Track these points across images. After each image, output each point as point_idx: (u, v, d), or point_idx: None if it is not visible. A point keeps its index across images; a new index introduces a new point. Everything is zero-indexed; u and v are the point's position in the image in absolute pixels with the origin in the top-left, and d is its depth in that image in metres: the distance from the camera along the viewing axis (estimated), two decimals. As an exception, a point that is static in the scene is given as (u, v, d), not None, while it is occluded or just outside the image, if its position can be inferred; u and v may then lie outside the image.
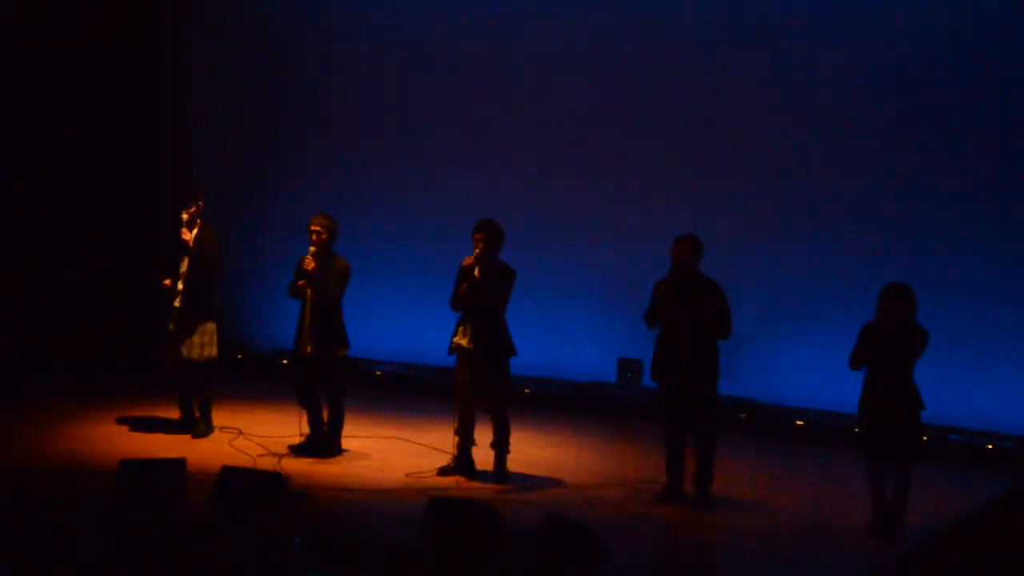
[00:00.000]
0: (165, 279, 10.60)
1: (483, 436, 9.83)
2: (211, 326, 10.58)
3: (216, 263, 10.59)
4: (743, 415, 11.32)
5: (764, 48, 11.48)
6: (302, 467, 9.93)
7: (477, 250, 9.55)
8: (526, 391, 11.64)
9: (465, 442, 9.83)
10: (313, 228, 10.08)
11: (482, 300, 9.54)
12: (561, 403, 11.96)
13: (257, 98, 13.46)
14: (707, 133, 11.71)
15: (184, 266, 10.49)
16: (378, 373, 12.64)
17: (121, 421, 10.89)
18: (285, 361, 12.17)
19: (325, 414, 10.31)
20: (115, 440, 10.51)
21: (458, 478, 9.77)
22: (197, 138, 13.67)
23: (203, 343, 10.54)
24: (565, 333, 12.16)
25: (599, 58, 12.06)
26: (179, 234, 10.50)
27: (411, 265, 12.68)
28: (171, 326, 10.57)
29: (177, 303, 10.52)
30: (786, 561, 8.37)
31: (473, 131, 12.61)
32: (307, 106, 13.29)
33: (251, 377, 12.59)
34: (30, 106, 12.96)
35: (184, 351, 10.51)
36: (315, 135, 13.27)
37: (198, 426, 10.70)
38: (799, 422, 11.27)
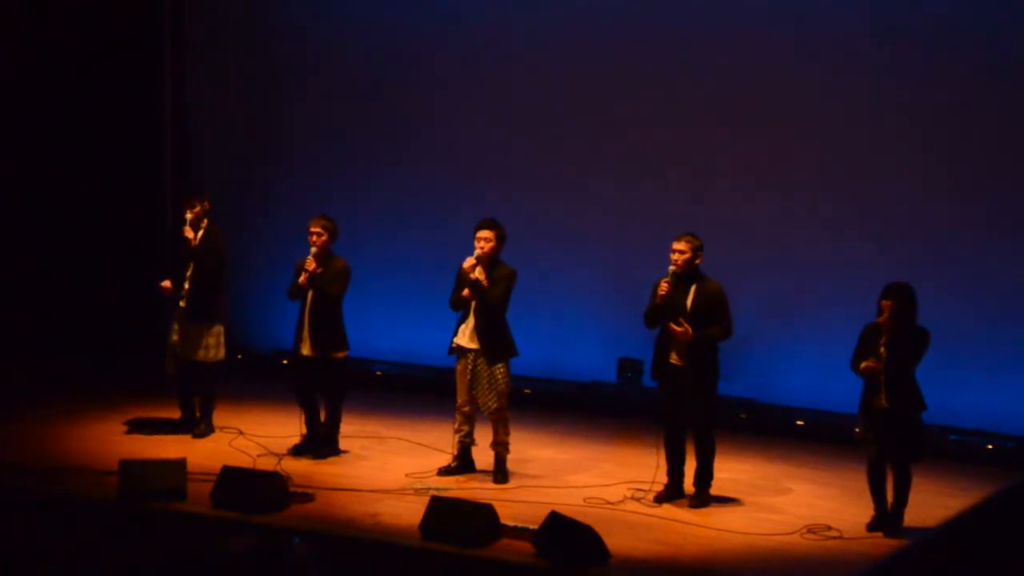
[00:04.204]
0: (163, 281, 10.60)
1: (483, 436, 9.83)
2: (218, 328, 10.57)
3: (223, 264, 10.58)
4: (743, 415, 11.32)
5: (762, 50, 11.46)
6: (302, 467, 9.93)
7: (479, 249, 9.55)
8: (526, 391, 11.63)
9: (465, 441, 9.85)
10: (313, 230, 10.08)
11: (484, 300, 9.54)
12: (561, 403, 11.95)
13: (257, 98, 13.45)
14: (706, 134, 11.70)
15: (190, 267, 10.48)
16: (377, 373, 12.63)
17: (122, 421, 10.88)
18: (285, 361, 12.16)
19: (323, 415, 10.31)
20: (115, 440, 10.50)
21: (458, 478, 9.78)
22: (197, 138, 13.66)
23: (209, 345, 10.52)
24: (565, 333, 12.15)
25: (598, 57, 12.04)
26: (182, 233, 10.49)
27: (412, 264, 12.67)
28: (175, 326, 10.56)
29: (183, 303, 10.51)
30: (786, 561, 8.38)
31: (472, 130, 12.60)
32: (306, 106, 13.28)
33: (251, 377, 12.58)
34: (28, 107, 12.94)
35: (191, 353, 10.50)
36: (314, 135, 13.26)
37: (199, 426, 10.69)
38: (799, 422, 11.26)
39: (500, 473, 9.75)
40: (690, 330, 9.05)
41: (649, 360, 9.46)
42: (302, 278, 10.03)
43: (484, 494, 9.25)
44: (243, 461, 9.82)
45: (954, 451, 10.49)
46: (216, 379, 10.73)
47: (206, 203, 10.55)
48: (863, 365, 8.63)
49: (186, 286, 10.50)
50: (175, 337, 10.56)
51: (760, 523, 8.99)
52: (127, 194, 13.45)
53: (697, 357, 9.13)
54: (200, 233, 10.49)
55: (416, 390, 12.31)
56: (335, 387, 10.23)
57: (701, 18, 11.69)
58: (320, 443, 10.24)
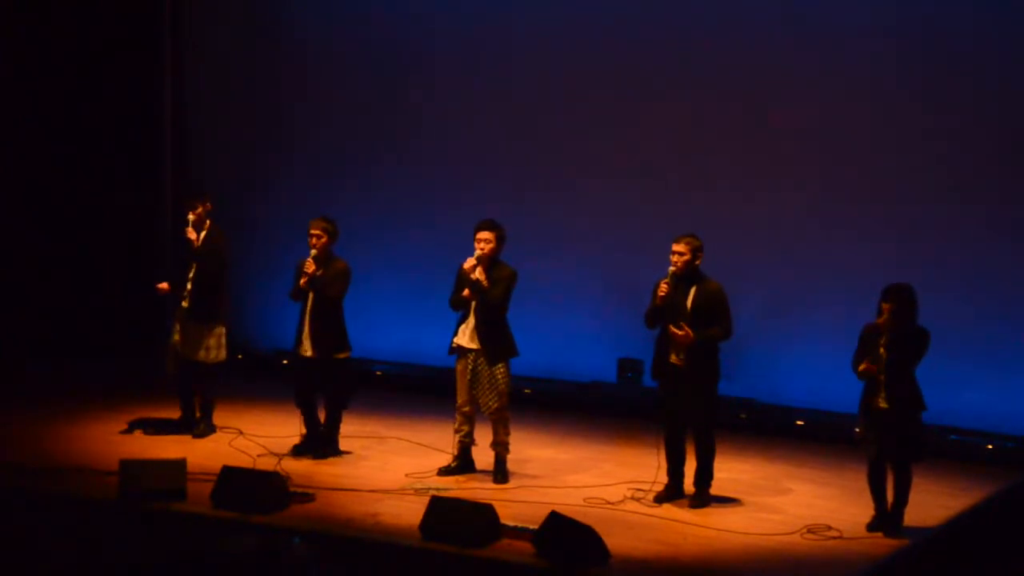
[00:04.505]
0: (161, 283, 10.60)
1: (483, 436, 9.83)
2: (220, 329, 10.57)
3: (225, 265, 10.58)
4: (743, 415, 11.32)
5: (762, 50, 11.46)
6: (302, 467, 9.93)
7: (479, 250, 9.55)
8: (526, 391, 11.63)
9: (466, 441, 9.85)
10: (313, 231, 10.08)
11: (484, 300, 9.54)
12: (561, 403, 11.95)
13: (257, 98, 13.45)
14: (706, 134, 11.70)
15: (192, 268, 10.48)
16: (377, 373, 12.63)
17: (122, 421, 10.89)
18: (285, 361, 12.16)
19: (322, 415, 10.31)
20: (115, 440, 10.50)
21: (458, 478, 9.78)
22: (197, 138, 13.66)
23: (210, 346, 10.52)
24: (565, 333, 12.15)
25: (598, 57, 12.05)
26: (184, 234, 10.49)
27: (412, 264, 12.67)
28: (177, 326, 10.57)
29: (185, 304, 10.51)
30: (786, 561, 8.38)
31: (473, 129, 12.60)
32: (307, 106, 13.28)
33: (251, 377, 12.58)
34: (28, 107, 12.95)
35: (191, 353, 10.50)
36: (314, 135, 13.26)
37: (199, 426, 10.69)
38: (799, 422, 11.26)
39: (500, 473, 9.75)
40: (691, 333, 9.04)
41: (649, 360, 9.46)
42: (302, 280, 10.04)
43: (484, 494, 9.25)
44: (243, 461, 9.82)
45: (954, 451, 10.49)
46: (216, 380, 10.73)
47: (208, 204, 10.55)
48: (861, 368, 8.64)
49: (188, 287, 10.50)
50: (176, 337, 10.57)
51: (760, 523, 8.99)
52: (127, 194, 13.45)
53: (697, 357, 9.12)
54: (203, 234, 10.49)
55: (416, 390, 12.30)
56: (337, 388, 10.23)
57: (701, 18, 11.69)
58: (320, 443, 10.24)
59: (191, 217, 10.48)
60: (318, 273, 10.01)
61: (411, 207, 12.79)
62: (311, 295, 10.06)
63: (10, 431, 10.63)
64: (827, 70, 11.26)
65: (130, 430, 10.74)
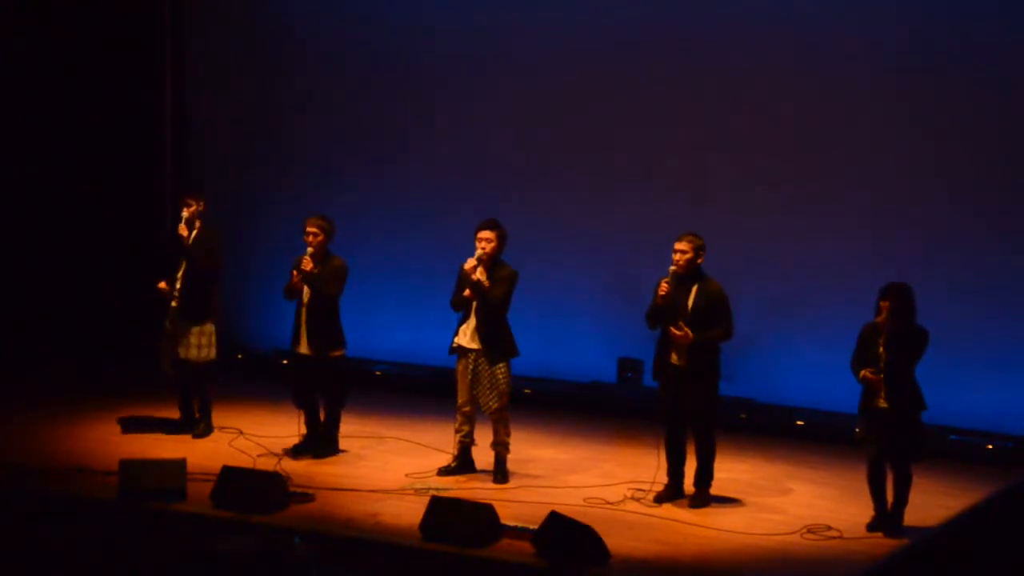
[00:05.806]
0: (160, 282, 10.59)
1: (483, 436, 9.83)
2: (209, 327, 10.57)
3: (216, 264, 10.58)
4: (743, 415, 11.32)
5: (762, 51, 11.46)
6: (302, 467, 9.93)
7: (480, 250, 9.55)
8: (526, 391, 11.63)
9: (466, 441, 9.85)
10: (309, 229, 10.08)
11: (485, 300, 9.54)
12: (561, 403, 11.95)
13: (257, 98, 13.44)
14: (707, 133, 11.70)
15: (182, 265, 10.49)
16: (377, 373, 12.62)
17: (121, 421, 10.89)
18: (285, 361, 12.16)
19: (323, 414, 10.32)
20: (115, 440, 10.50)
21: (458, 478, 9.78)
22: (197, 138, 13.66)
23: (201, 344, 10.52)
24: (565, 333, 12.15)
25: (598, 57, 12.04)
26: (176, 231, 10.49)
27: (412, 264, 12.67)
28: (168, 326, 10.57)
29: (175, 303, 10.52)
30: (787, 561, 8.38)
31: (473, 130, 12.59)
32: (306, 106, 13.28)
33: (251, 377, 12.58)
34: (28, 107, 12.94)
35: (182, 352, 10.51)
36: (314, 135, 13.26)
37: (198, 426, 10.69)
38: (799, 422, 11.26)
39: (500, 473, 9.75)
40: (690, 333, 9.04)
41: (649, 360, 9.46)
42: (295, 277, 10.05)
43: (484, 494, 9.25)
44: (243, 461, 9.83)
45: (954, 451, 10.50)
46: (209, 378, 10.72)
47: (201, 203, 10.55)
48: (862, 374, 8.64)
49: (178, 285, 10.51)
50: (168, 335, 10.57)
51: (760, 523, 8.99)
52: (127, 194, 13.45)
53: (698, 357, 9.12)
54: (194, 232, 10.49)
55: (416, 390, 12.30)
56: (334, 386, 10.23)
57: (701, 18, 11.68)
58: (320, 443, 10.25)
59: (184, 214, 10.49)
60: (314, 271, 10.01)
61: (411, 207, 12.78)
62: (307, 293, 10.07)
63: (10, 431, 10.63)
64: (828, 71, 11.25)
65: (129, 430, 10.73)
